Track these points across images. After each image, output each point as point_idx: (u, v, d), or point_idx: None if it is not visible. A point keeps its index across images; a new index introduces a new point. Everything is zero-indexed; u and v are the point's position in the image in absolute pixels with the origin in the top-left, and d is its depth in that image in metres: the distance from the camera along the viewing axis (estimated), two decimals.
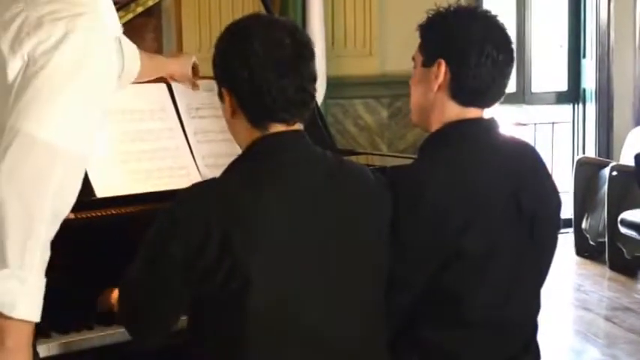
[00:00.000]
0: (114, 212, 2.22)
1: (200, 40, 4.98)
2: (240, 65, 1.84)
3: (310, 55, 1.90)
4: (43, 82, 1.76)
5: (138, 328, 1.89)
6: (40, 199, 1.75)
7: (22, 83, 1.76)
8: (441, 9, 2.12)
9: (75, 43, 1.80)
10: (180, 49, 4.89)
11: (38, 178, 1.75)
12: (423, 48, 2.13)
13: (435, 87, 2.07)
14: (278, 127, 1.88)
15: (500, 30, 2.09)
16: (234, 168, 1.89)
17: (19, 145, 1.74)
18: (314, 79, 1.91)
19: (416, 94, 2.15)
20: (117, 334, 2.05)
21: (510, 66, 2.10)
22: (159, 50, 4.59)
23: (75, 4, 1.84)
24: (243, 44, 1.85)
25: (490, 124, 2.13)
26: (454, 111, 2.08)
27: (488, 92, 2.09)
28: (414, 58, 2.16)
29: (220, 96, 1.93)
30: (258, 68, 1.83)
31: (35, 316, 1.77)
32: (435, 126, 2.10)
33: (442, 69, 2.06)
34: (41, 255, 1.76)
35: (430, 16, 2.13)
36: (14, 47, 1.78)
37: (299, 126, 1.91)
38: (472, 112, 2.09)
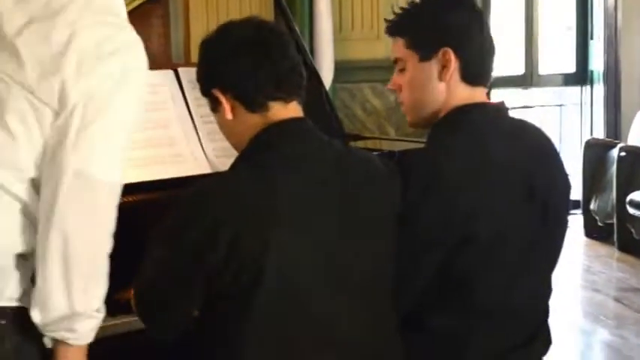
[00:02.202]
0: (123, 200, 2.21)
1: (208, 25, 4.95)
2: (226, 57, 1.87)
3: (289, 41, 1.92)
4: (102, 125, 1.71)
5: (154, 326, 1.89)
6: (105, 238, 1.75)
7: (82, 124, 1.69)
8: (410, 4, 2.10)
9: (132, 82, 1.75)
10: (187, 36, 4.88)
11: (101, 217, 1.74)
12: (415, 44, 2.07)
13: (448, 76, 2.05)
14: (278, 109, 1.86)
15: (476, 7, 2.12)
16: (240, 163, 1.87)
17: (81, 187, 1.70)
18: (299, 62, 1.92)
19: (417, 93, 2.09)
20: (125, 323, 2.05)
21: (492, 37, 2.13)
22: (166, 37, 4.57)
23: (122, 20, 1.81)
24: (224, 40, 1.89)
25: (499, 109, 2.12)
26: (464, 93, 2.06)
27: (489, 68, 2.10)
28: (399, 59, 2.10)
29: (213, 104, 1.92)
30: (243, 52, 1.85)
31: (92, 337, 1.79)
32: (443, 112, 2.08)
33: (451, 57, 2.03)
34: (102, 289, 1.77)
35: (402, 13, 2.10)
36: (78, 80, 1.69)
37: (299, 110, 1.90)
38: (479, 92, 2.08)
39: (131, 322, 1.99)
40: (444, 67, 2.04)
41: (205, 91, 1.93)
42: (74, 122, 1.69)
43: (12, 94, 1.70)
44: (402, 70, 2.10)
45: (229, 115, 1.89)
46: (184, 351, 1.86)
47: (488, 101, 2.11)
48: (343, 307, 1.82)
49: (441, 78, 2.05)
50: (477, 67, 2.06)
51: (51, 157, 1.70)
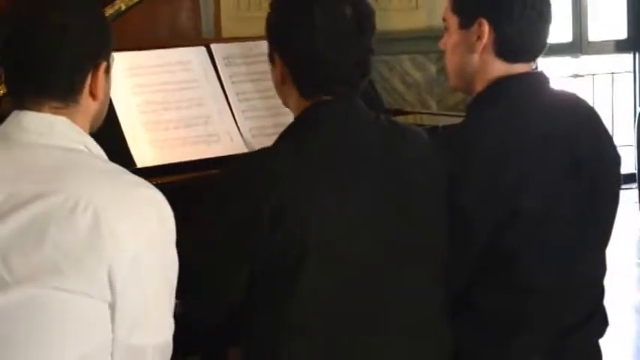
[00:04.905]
0: (157, 182, 2.24)
1: None
2: (298, 36, 1.85)
3: (371, 28, 1.91)
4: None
5: (196, 306, 1.90)
6: None
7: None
8: None
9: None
10: (218, 10, 4.89)
11: None
12: (457, 8, 2.10)
13: (480, 48, 2.06)
14: (327, 98, 1.88)
15: None
16: (284, 138, 1.90)
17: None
18: (371, 51, 1.91)
19: (455, 59, 2.13)
20: None
21: (551, 11, 2.08)
22: (196, 11, 4.59)
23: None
24: (305, 14, 1.84)
25: (539, 78, 2.12)
26: (501, 70, 2.07)
27: (535, 46, 2.08)
28: (445, 19, 2.14)
29: (271, 59, 1.93)
30: (317, 42, 1.83)
31: None
32: (479, 86, 2.09)
33: (485, 29, 2.04)
34: None
35: None
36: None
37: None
38: (519, 68, 2.08)
39: None
40: (478, 38, 2.05)
41: (268, 43, 1.93)
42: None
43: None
44: (448, 31, 2.13)
45: (278, 82, 1.92)
46: (225, 332, 1.89)
47: (527, 71, 2.10)
48: (392, 285, 1.85)
49: (474, 49, 2.05)
50: (514, 43, 2.05)
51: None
